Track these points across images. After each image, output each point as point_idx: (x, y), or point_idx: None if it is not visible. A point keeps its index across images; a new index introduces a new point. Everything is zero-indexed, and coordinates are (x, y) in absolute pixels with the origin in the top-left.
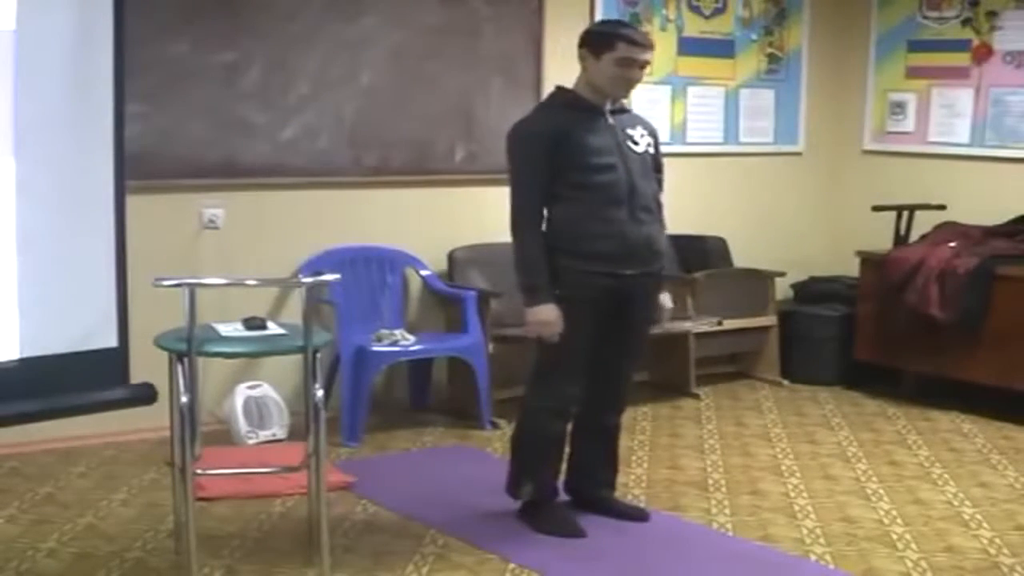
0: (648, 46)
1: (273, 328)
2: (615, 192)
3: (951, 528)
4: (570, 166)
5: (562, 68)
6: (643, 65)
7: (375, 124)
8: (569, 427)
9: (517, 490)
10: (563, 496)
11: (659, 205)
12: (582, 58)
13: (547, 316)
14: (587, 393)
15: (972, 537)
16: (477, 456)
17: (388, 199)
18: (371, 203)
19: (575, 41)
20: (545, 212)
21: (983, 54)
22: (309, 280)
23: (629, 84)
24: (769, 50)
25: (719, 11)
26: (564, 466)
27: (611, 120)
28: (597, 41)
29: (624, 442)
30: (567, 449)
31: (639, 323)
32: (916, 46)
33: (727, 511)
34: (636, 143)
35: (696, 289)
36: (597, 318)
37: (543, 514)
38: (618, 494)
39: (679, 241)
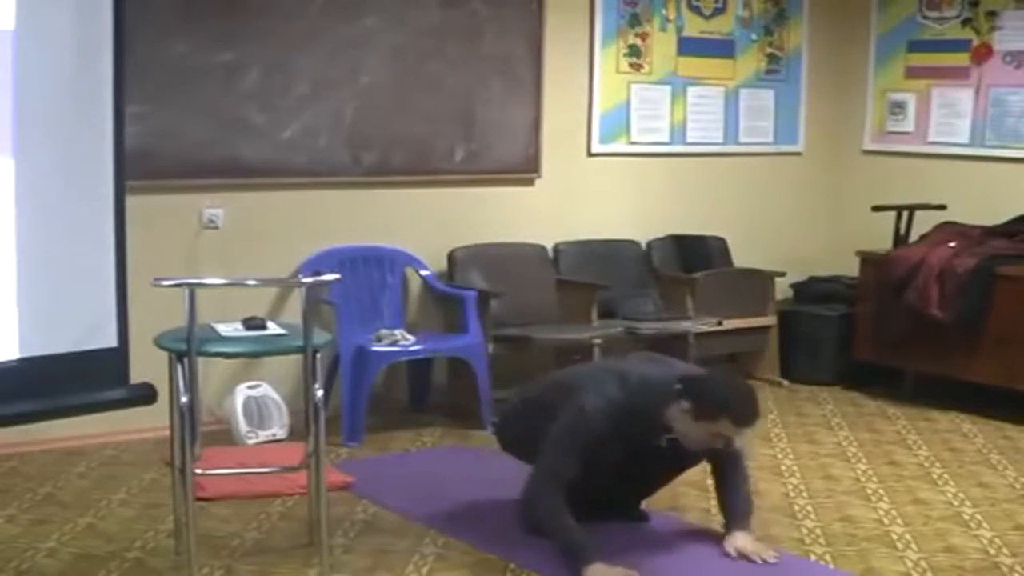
0: (752, 426)
1: (273, 328)
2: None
3: (951, 528)
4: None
5: (562, 68)
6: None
7: (375, 124)
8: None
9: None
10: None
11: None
12: (680, 406)
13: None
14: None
15: (972, 537)
16: (477, 456)
17: (388, 199)
18: (371, 203)
19: (575, 41)
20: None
21: (983, 54)
22: (309, 280)
23: (709, 447)
24: (769, 50)
25: (719, 11)
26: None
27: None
28: (703, 406)
29: None
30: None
31: None
32: (916, 46)
33: None
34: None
35: (696, 289)
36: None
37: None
38: None
39: (679, 241)
